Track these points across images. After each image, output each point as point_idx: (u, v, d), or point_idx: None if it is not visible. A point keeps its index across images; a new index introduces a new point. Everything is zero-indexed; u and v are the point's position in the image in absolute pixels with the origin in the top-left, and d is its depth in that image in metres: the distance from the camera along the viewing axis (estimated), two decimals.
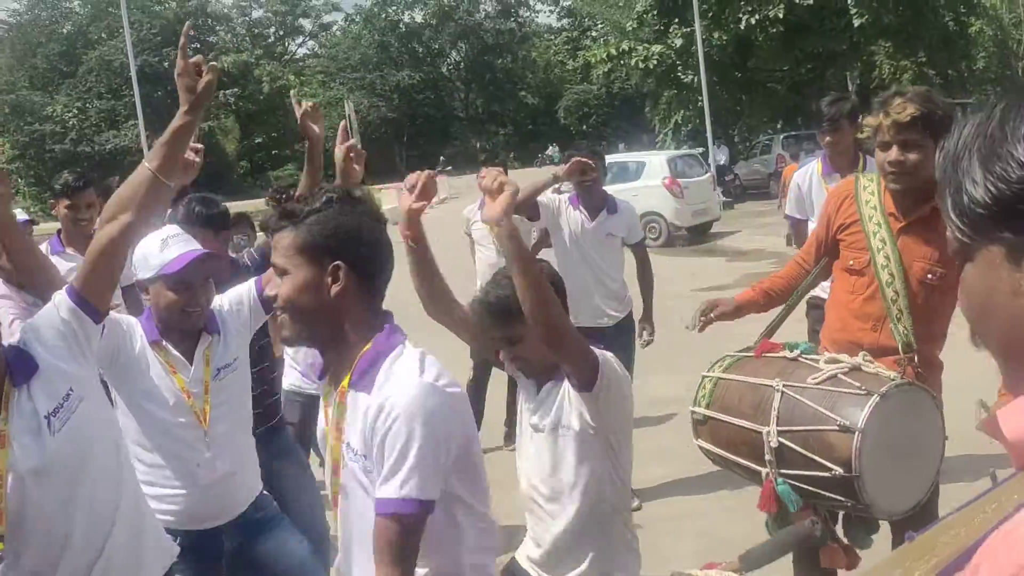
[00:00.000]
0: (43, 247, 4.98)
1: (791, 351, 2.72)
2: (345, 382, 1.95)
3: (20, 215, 6.85)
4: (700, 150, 25.40)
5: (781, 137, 25.34)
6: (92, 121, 61.88)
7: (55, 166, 56.14)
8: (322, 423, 2.09)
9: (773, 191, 24.19)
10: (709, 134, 24.05)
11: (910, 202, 2.84)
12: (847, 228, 2.89)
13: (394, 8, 73.64)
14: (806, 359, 2.66)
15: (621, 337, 5.24)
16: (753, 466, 2.57)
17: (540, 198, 5.11)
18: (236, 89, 66.11)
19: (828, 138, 4.72)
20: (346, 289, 1.92)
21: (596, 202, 5.26)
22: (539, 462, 2.45)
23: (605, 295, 5.25)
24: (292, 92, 2.65)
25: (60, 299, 2.45)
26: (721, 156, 25.75)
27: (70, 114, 61.97)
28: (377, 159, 59.02)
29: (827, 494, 2.49)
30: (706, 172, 19.99)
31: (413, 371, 1.89)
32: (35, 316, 2.52)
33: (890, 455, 2.45)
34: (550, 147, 60.96)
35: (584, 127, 73.66)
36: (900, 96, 2.74)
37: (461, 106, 76.32)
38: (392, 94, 70.28)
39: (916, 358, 2.76)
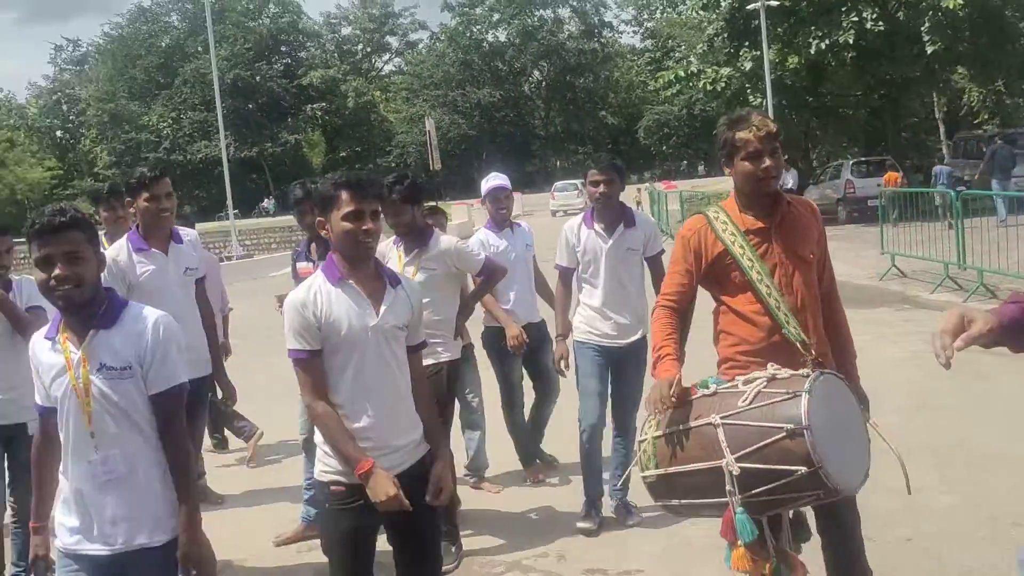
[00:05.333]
0: (116, 245, 4.60)
1: (707, 388, 2.91)
2: None
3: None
4: None
5: (851, 163, 25.25)
6: (185, 131, 64.32)
7: None
8: None
9: (842, 217, 24.05)
10: None
11: (768, 207, 3.18)
12: (717, 257, 3.17)
13: (478, 27, 74.71)
14: (725, 390, 2.87)
15: (635, 357, 5.10)
16: (720, 500, 2.76)
17: (563, 236, 5.15)
18: (323, 104, 67.89)
19: None
20: None
21: (613, 216, 5.08)
22: None
23: (625, 313, 5.07)
24: None
25: None
26: (789, 180, 25.67)
27: (165, 124, 64.52)
28: (456, 176, 60.02)
29: (800, 494, 2.72)
30: None
31: None
32: None
33: (834, 438, 2.71)
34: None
35: (664, 148, 73.51)
36: (754, 113, 3.16)
37: (541, 125, 76.89)
38: (473, 112, 71.24)
39: (813, 351, 3.06)
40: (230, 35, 64.46)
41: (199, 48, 63.99)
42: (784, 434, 2.66)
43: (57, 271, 2.62)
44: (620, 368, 5.12)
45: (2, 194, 55.29)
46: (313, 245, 5.06)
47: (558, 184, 42.84)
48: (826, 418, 2.71)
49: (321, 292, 3.05)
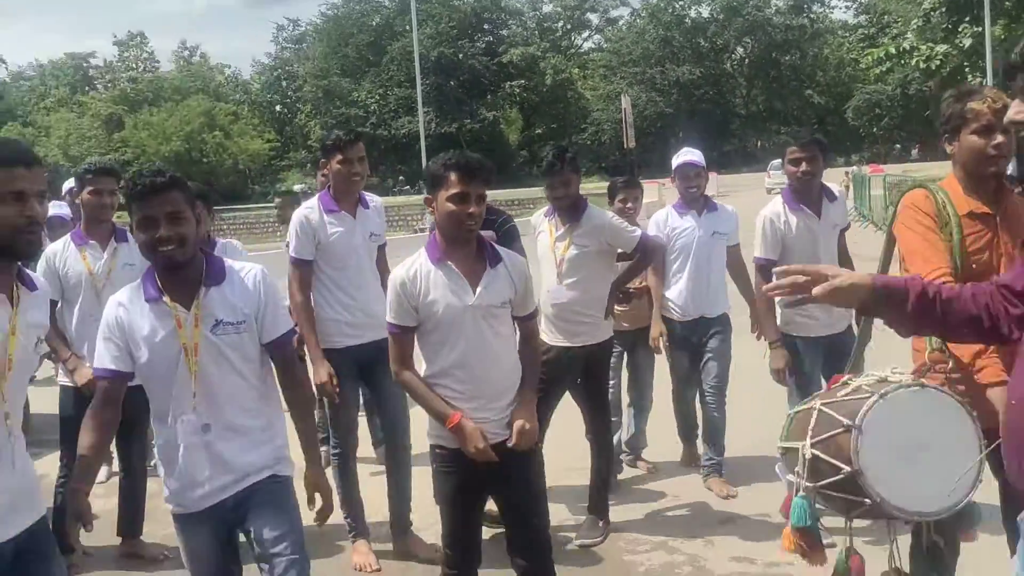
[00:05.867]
0: (309, 203, 4.67)
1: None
2: None
3: None
4: None
5: None
6: (391, 107, 66.92)
7: None
8: None
9: None
10: None
11: (992, 191, 2.92)
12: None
13: (681, 3, 73.36)
14: (851, 381, 2.76)
15: (845, 347, 4.14)
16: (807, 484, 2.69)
17: (767, 224, 4.67)
18: (522, 81, 68.82)
19: None
20: None
21: (815, 195, 4.70)
22: None
23: None
24: None
25: None
26: (1009, 167, 23.73)
27: (372, 100, 67.42)
28: (650, 153, 59.39)
29: (849, 496, 2.58)
30: None
31: None
32: None
33: (897, 454, 2.53)
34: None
35: (875, 129, 69.73)
36: (988, 86, 2.94)
37: (742, 103, 74.71)
38: (671, 89, 70.13)
39: (951, 363, 2.72)
40: (436, 13, 66.40)
41: (407, 27, 66.13)
42: (842, 429, 2.58)
43: (160, 232, 2.69)
44: (827, 361, 4.61)
45: (226, 163, 59.73)
46: None
47: (774, 162, 41.65)
48: (895, 428, 2.55)
49: (421, 272, 3.18)
